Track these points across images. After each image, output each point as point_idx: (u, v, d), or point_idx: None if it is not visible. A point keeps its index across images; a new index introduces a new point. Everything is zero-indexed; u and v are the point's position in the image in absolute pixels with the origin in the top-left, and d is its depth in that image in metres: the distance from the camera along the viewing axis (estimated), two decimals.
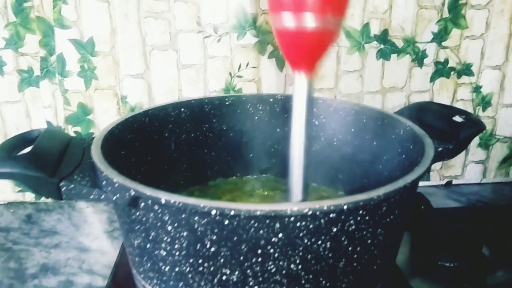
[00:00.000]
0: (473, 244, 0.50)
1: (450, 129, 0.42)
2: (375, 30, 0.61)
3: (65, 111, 0.60)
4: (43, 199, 0.65)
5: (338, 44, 0.61)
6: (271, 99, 0.53)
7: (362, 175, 0.46)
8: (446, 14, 0.62)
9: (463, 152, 0.69)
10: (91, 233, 0.58)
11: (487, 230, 0.54)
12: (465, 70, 0.65)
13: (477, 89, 0.66)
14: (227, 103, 0.52)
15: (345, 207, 0.27)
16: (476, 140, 0.69)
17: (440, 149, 0.39)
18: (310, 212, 0.26)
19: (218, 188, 0.50)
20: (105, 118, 0.61)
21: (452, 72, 0.65)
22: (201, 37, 0.58)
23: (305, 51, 0.35)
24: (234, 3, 0.57)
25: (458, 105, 0.67)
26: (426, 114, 0.46)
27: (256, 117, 0.53)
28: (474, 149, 0.69)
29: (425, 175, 0.43)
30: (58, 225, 0.59)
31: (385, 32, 0.61)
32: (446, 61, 0.64)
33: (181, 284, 0.31)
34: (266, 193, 0.50)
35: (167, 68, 0.59)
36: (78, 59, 0.58)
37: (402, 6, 0.61)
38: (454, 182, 0.71)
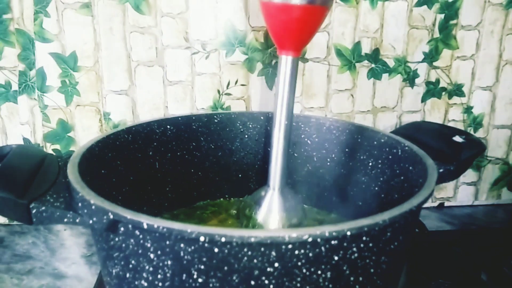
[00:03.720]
0: (472, 270, 0.48)
1: (450, 150, 0.40)
2: (366, 49, 0.60)
3: (44, 128, 0.57)
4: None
5: (329, 62, 0.60)
6: (262, 117, 0.51)
7: (357, 197, 0.44)
8: (437, 34, 0.61)
9: None
10: (68, 257, 0.54)
11: (483, 255, 0.52)
12: (456, 90, 0.64)
13: (468, 109, 0.65)
14: (215, 120, 0.50)
15: (348, 233, 0.24)
16: None
17: (441, 170, 0.38)
18: (310, 239, 0.24)
19: (204, 211, 0.48)
20: (86, 135, 0.58)
21: (443, 93, 0.64)
22: (188, 53, 0.57)
23: (292, 28, 0.35)
24: (223, 19, 0.56)
25: (450, 126, 0.66)
26: (423, 133, 0.44)
27: (246, 136, 0.51)
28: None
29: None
30: (33, 249, 0.56)
31: (376, 51, 0.61)
32: (437, 81, 0.64)
33: None
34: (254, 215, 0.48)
35: (153, 84, 0.57)
36: (59, 74, 0.55)
37: (393, 26, 0.60)
38: (446, 204, 0.70)
